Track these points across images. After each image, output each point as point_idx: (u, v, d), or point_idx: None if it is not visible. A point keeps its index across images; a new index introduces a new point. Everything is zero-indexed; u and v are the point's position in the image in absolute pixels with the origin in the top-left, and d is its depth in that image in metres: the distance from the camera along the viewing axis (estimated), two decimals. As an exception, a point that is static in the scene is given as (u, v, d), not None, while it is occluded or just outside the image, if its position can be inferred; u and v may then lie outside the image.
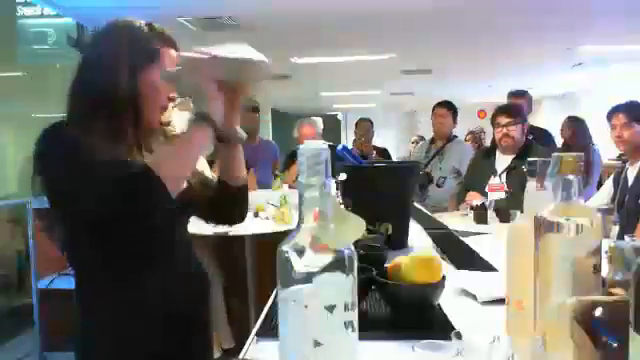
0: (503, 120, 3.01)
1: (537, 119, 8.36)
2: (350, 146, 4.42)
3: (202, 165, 1.33)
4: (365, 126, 4.79)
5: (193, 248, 1.28)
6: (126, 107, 1.10)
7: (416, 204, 2.76)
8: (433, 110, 3.95)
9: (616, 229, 2.29)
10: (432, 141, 3.99)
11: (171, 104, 1.19)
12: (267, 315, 1.14)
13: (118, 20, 1.16)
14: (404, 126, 13.81)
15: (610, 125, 2.68)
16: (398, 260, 1.08)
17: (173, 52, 1.16)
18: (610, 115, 2.69)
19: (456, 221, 2.63)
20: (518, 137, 2.98)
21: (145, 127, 1.16)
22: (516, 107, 3.28)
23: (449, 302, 1.12)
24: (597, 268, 0.72)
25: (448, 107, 3.89)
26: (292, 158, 4.22)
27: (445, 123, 3.87)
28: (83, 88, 1.11)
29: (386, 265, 1.14)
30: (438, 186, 3.66)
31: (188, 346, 1.16)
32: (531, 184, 0.87)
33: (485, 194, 2.94)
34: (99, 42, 1.17)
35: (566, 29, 4.91)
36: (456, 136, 3.98)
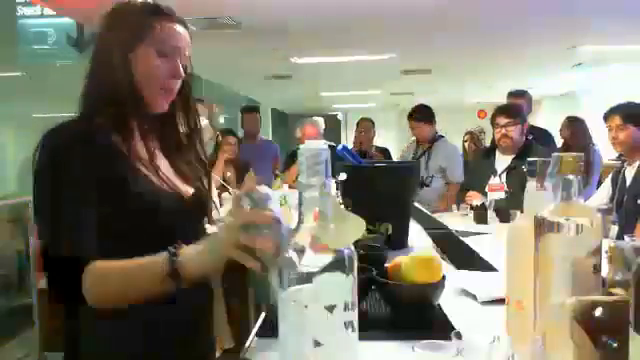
0: (502, 120, 3.01)
1: (537, 119, 8.35)
2: (350, 145, 4.43)
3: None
4: (366, 125, 4.81)
5: None
6: (125, 95, 1.04)
7: (416, 204, 2.76)
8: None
9: (615, 229, 2.29)
10: (418, 142, 4.04)
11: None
12: (267, 315, 1.14)
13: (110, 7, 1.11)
14: (404, 126, 13.76)
15: (606, 127, 2.69)
16: (398, 260, 1.08)
17: (176, 26, 1.09)
18: (606, 117, 2.69)
19: (456, 221, 2.63)
20: (517, 137, 2.99)
21: (150, 113, 1.10)
22: (515, 107, 3.28)
23: (449, 302, 1.12)
24: (597, 268, 0.72)
25: (417, 119, 3.95)
26: (292, 158, 4.23)
27: (421, 132, 3.95)
28: (86, 87, 1.09)
29: (386, 265, 1.14)
30: (426, 185, 3.72)
31: (189, 347, 1.15)
32: (531, 184, 0.88)
33: (485, 194, 2.95)
34: (95, 36, 1.13)
35: (566, 29, 4.91)
36: (442, 136, 4.02)
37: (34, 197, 1.00)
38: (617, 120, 2.61)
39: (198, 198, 1.16)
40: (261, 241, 0.77)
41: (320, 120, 4.27)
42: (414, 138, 4.13)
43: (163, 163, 1.14)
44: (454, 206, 3.21)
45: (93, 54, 1.10)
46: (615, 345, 0.60)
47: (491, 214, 2.64)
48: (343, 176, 1.56)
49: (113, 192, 0.99)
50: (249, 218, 0.83)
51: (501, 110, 3.11)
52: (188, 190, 1.15)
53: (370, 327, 0.96)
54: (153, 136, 1.15)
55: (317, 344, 0.63)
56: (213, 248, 0.88)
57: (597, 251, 0.71)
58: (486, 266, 1.54)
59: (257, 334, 1.03)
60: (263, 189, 0.89)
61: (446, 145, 3.99)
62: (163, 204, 1.05)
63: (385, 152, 4.91)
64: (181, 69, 1.10)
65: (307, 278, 0.63)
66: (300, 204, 0.66)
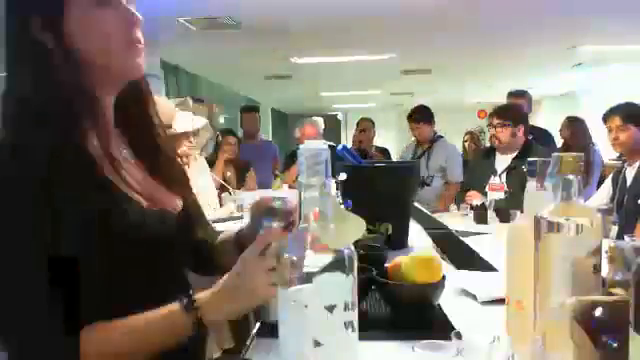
0: (494, 121, 3.03)
1: (537, 119, 8.35)
2: (350, 145, 4.44)
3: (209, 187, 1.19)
4: (367, 125, 4.83)
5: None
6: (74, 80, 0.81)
7: (416, 204, 2.77)
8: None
9: (615, 229, 2.28)
10: (418, 142, 4.06)
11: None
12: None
13: None
14: (404, 126, 13.76)
15: (606, 127, 2.68)
16: (398, 260, 1.08)
17: None
18: (605, 118, 2.68)
19: (456, 221, 2.63)
20: (505, 139, 2.98)
21: (117, 80, 0.89)
22: (508, 109, 3.24)
23: (449, 302, 1.12)
24: (597, 268, 0.72)
25: (417, 119, 4.00)
26: (292, 158, 4.23)
27: (421, 132, 4.00)
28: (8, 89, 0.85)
29: (386, 265, 1.14)
30: (427, 184, 3.74)
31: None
32: (531, 184, 0.87)
33: (485, 194, 2.95)
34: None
35: (566, 29, 4.91)
36: (441, 136, 4.04)
37: None
38: (617, 121, 2.61)
39: (188, 210, 1.01)
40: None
41: (319, 120, 4.27)
42: (414, 138, 4.14)
43: (137, 172, 0.93)
44: (454, 206, 3.21)
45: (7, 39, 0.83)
46: (615, 345, 0.60)
47: (491, 214, 2.63)
48: (343, 176, 1.56)
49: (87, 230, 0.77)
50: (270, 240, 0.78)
51: (495, 110, 3.12)
52: (177, 203, 0.98)
53: (370, 327, 0.96)
54: (119, 140, 0.94)
55: (317, 344, 0.63)
56: (236, 291, 0.79)
57: (597, 251, 0.71)
58: (486, 266, 1.54)
59: (257, 334, 1.03)
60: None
61: (446, 145, 4.04)
62: (153, 229, 0.86)
63: (385, 152, 4.92)
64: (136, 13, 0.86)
65: (307, 278, 0.63)
66: (300, 204, 0.66)
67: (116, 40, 0.84)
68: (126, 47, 0.85)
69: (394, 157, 5.49)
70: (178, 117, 2.69)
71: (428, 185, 3.78)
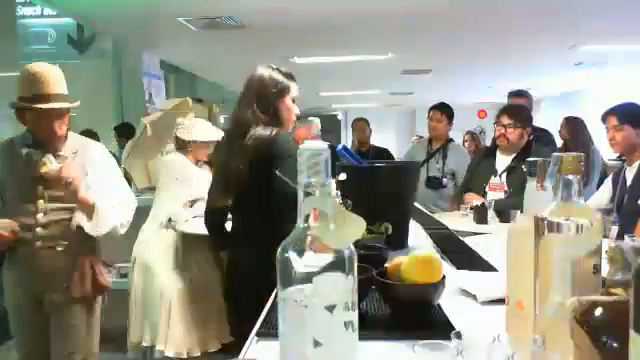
0: (505, 120, 3.00)
1: (537, 119, 8.35)
2: (349, 145, 4.44)
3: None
4: (360, 126, 4.83)
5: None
6: (279, 121, 2.00)
7: (416, 204, 2.76)
8: (428, 113, 4.00)
9: (615, 229, 2.28)
10: (430, 141, 4.03)
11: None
12: (267, 315, 1.14)
13: (259, 71, 2.10)
14: (404, 126, 13.82)
15: (605, 127, 2.68)
16: (398, 260, 1.08)
17: (295, 84, 2.08)
18: (603, 118, 2.68)
19: (456, 221, 2.62)
20: (514, 140, 2.97)
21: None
22: (520, 110, 3.24)
23: (449, 302, 1.12)
24: (597, 268, 0.72)
25: (442, 110, 3.95)
26: (292, 158, 4.22)
27: (440, 126, 3.94)
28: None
29: (386, 265, 1.14)
30: (443, 186, 3.71)
31: None
32: (531, 184, 0.88)
33: (485, 194, 2.94)
34: (252, 84, 2.09)
35: (566, 28, 4.92)
36: (452, 139, 4.01)
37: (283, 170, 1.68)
38: (614, 121, 2.60)
39: None
40: None
41: (316, 120, 4.25)
42: (415, 138, 4.13)
43: None
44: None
45: (256, 95, 2.07)
46: (615, 345, 0.60)
47: (491, 214, 2.63)
48: (343, 176, 1.56)
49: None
50: None
51: (505, 110, 3.10)
52: None
53: (370, 327, 0.96)
54: None
55: (317, 344, 0.63)
56: None
57: (597, 251, 0.71)
58: (486, 266, 1.54)
59: (257, 334, 1.03)
60: None
61: (460, 150, 4.06)
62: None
63: (386, 152, 4.93)
64: None
65: (307, 278, 0.63)
66: (300, 204, 0.66)
67: (292, 119, 2.10)
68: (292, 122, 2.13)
69: (396, 157, 5.49)
70: (199, 127, 2.89)
71: (444, 186, 3.73)
